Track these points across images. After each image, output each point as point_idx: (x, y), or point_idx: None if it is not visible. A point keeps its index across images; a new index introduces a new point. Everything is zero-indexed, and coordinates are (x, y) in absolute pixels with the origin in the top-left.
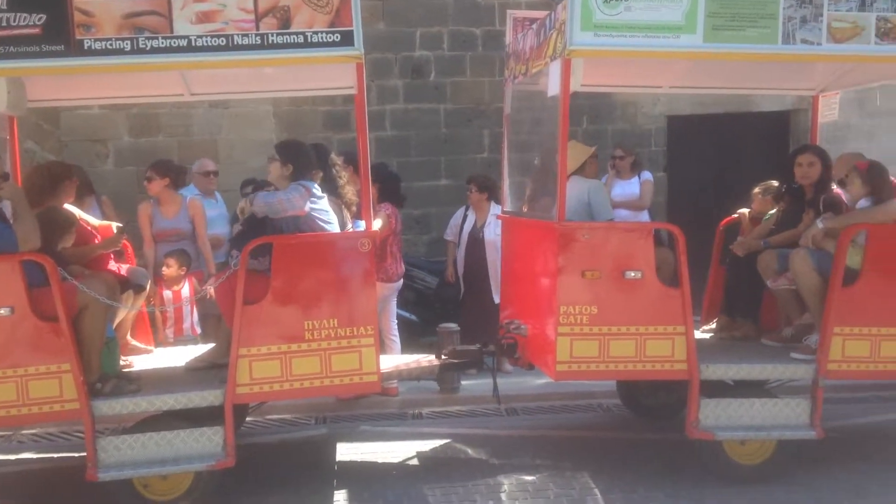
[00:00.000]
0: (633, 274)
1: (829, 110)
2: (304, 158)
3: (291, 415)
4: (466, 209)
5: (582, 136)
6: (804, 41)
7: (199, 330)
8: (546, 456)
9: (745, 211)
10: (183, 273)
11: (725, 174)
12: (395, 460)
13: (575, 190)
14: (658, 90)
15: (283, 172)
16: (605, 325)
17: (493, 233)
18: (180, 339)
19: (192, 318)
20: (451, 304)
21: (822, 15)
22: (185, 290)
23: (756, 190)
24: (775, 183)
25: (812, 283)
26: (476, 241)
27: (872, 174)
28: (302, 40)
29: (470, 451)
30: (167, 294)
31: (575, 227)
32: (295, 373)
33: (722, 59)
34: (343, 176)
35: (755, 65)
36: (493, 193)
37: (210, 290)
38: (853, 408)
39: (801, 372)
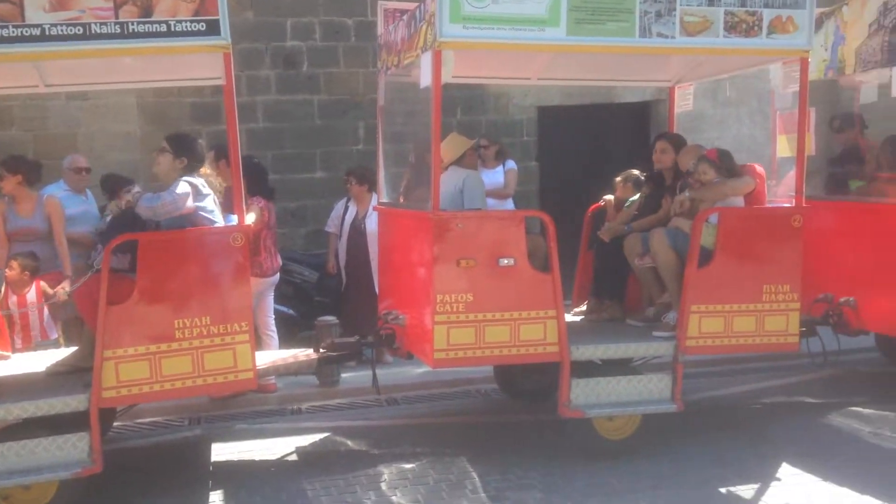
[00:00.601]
0: (506, 261)
1: (684, 101)
2: (197, 153)
3: (163, 417)
4: (348, 201)
5: (456, 127)
6: (659, 34)
7: (52, 335)
8: (426, 443)
9: (611, 197)
10: (27, 277)
11: (593, 162)
12: (273, 457)
13: (451, 180)
14: (527, 82)
15: (175, 165)
16: (480, 312)
17: (374, 224)
18: (43, 343)
19: (40, 323)
20: (332, 297)
21: (675, 9)
22: (32, 294)
23: (617, 178)
24: (636, 171)
25: (670, 261)
26: (358, 233)
27: (723, 159)
28: (165, 29)
29: (350, 442)
30: (12, 299)
31: (449, 216)
32: (165, 373)
33: (585, 52)
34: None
35: (617, 57)
36: (373, 185)
37: (60, 293)
38: (712, 381)
39: (662, 349)
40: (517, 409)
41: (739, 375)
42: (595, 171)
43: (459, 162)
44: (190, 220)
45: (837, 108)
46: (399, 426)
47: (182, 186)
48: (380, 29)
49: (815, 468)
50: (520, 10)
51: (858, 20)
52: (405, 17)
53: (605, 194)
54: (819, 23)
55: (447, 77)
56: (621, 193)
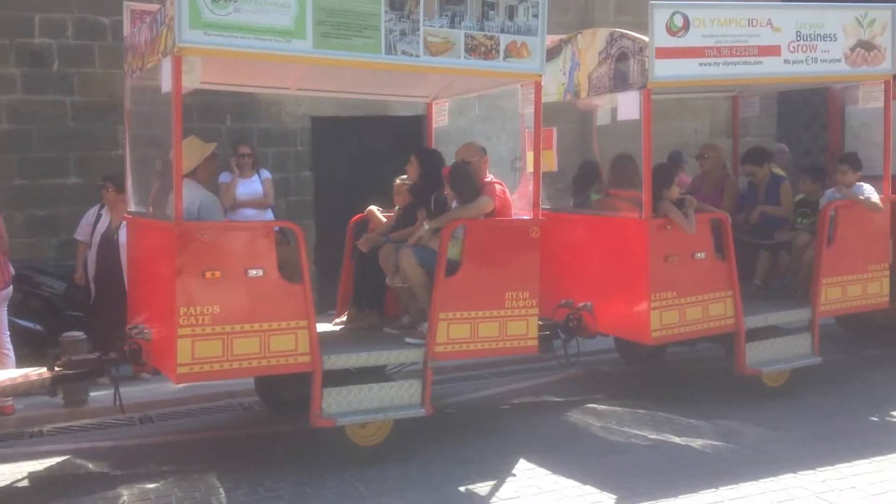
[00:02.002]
0: (255, 272)
1: (440, 116)
2: None
3: None
4: (101, 208)
5: (226, 134)
6: (404, 52)
7: None
8: (175, 461)
9: (374, 208)
10: None
11: (368, 174)
12: (1, 483)
13: (188, 197)
14: (300, 92)
15: None
16: (228, 324)
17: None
18: None
19: None
20: (84, 310)
21: (418, 29)
22: None
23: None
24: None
25: (418, 277)
26: (110, 244)
27: (452, 179)
28: None
29: (91, 465)
30: None
31: (194, 227)
32: None
33: (331, 65)
34: None
35: (374, 72)
36: None
37: None
38: (469, 384)
39: (413, 356)
40: (277, 421)
41: (494, 378)
42: (370, 182)
43: (193, 175)
44: None
45: (576, 129)
46: (148, 445)
47: None
48: (126, 30)
49: (547, 462)
50: (265, 21)
51: (590, 48)
52: (149, 19)
53: (378, 206)
54: (558, 49)
55: (194, 83)
56: (399, 202)
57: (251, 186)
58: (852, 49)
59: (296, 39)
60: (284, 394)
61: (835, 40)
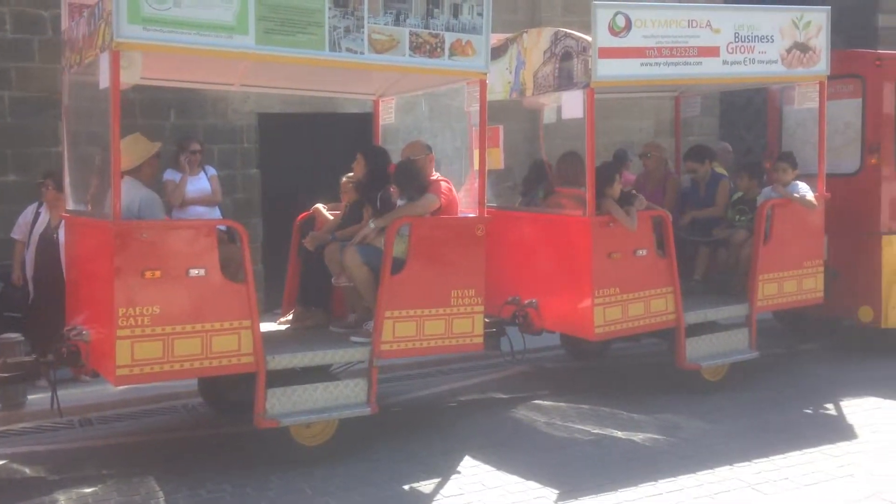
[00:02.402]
0: (196, 271)
1: (387, 114)
2: None
3: None
4: (39, 206)
5: (171, 130)
6: (349, 50)
7: None
8: (114, 465)
9: (321, 206)
10: None
11: (318, 171)
12: None
13: (128, 195)
14: (230, 87)
15: None
16: (168, 325)
17: None
18: None
19: None
20: (20, 311)
21: (363, 27)
22: None
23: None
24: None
25: (363, 276)
26: (49, 243)
27: (399, 177)
28: None
29: (28, 470)
30: None
31: (133, 226)
32: None
33: (275, 62)
34: None
35: (320, 68)
36: None
37: None
38: (416, 382)
39: (358, 354)
40: (221, 423)
41: (441, 376)
42: (317, 179)
43: (137, 173)
44: None
45: (526, 127)
46: (88, 449)
47: None
48: (64, 23)
49: (492, 458)
50: (206, 16)
51: (535, 47)
52: (86, 14)
53: (327, 203)
54: (504, 47)
55: (134, 79)
56: (346, 199)
57: (199, 184)
58: (788, 50)
59: (238, 35)
60: (228, 395)
61: (772, 42)
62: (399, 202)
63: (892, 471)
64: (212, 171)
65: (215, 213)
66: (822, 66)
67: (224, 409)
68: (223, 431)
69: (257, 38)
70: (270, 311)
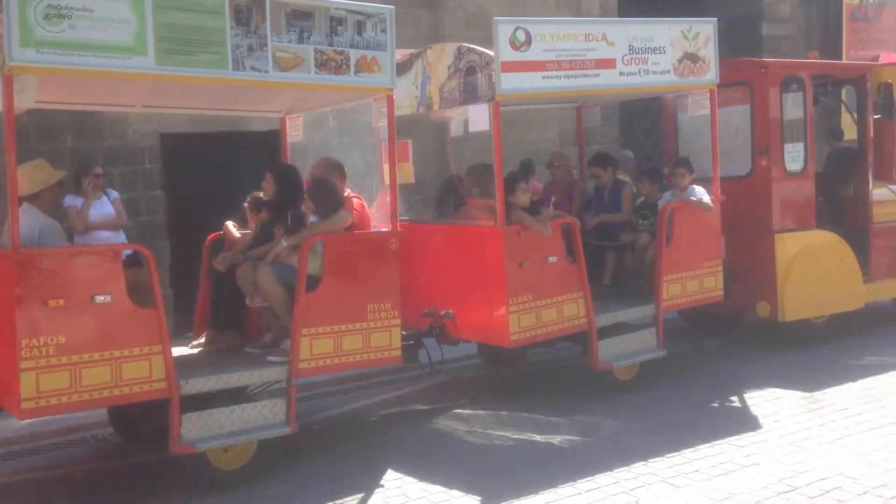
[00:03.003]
0: (102, 298)
1: (294, 131)
2: None
3: None
4: None
5: (69, 154)
6: (253, 68)
7: None
8: (23, 502)
9: (231, 225)
10: None
11: (226, 191)
12: None
13: (27, 222)
14: (131, 109)
15: None
16: (75, 354)
17: None
18: None
19: None
20: None
21: (267, 45)
22: None
23: (245, 204)
24: (260, 194)
25: (277, 295)
26: None
27: (313, 193)
28: None
29: None
30: None
31: (34, 253)
32: None
33: (176, 82)
34: None
35: (225, 87)
36: None
37: None
38: (337, 399)
39: (276, 374)
40: (134, 452)
41: (361, 391)
42: (225, 199)
43: (34, 200)
44: None
45: (434, 140)
46: None
47: None
48: None
49: (414, 470)
50: (102, 37)
51: (440, 62)
52: None
53: (233, 222)
54: (410, 63)
55: (28, 103)
56: (252, 220)
57: (103, 208)
58: (680, 61)
59: (136, 56)
60: (143, 423)
61: (664, 53)
62: (312, 219)
63: (794, 458)
64: (114, 194)
65: (120, 237)
66: (711, 74)
67: (137, 437)
68: (137, 461)
69: (157, 59)
70: (182, 336)
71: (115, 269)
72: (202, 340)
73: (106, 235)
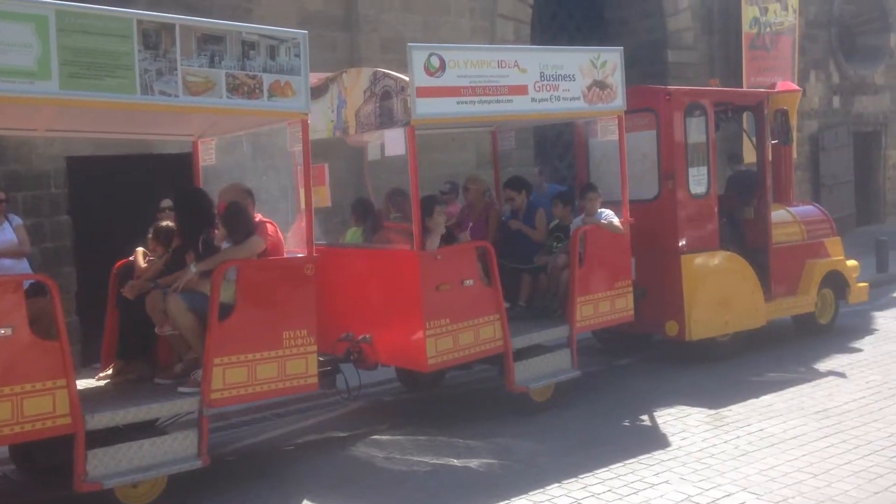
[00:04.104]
0: (3, 331)
1: (207, 154)
2: None
3: None
4: None
5: None
6: (162, 92)
7: None
8: None
9: (140, 251)
10: None
11: (135, 216)
12: None
13: None
14: (34, 133)
15: None
16: None
17: None
18: None
19: None
20: None
21: (176, 69)
22: None
23: (150, 234)
24: (164, 224)
25: (189, 323)
26: None
27: (226, 218)
28: None
29: None
30: None
31: None
32: None
33: (82, 107)
34: None
35: (133, 111)
36: None
37: None
38: (253, 428)
39: (187, 405)
40: (36, 489)
41: (277, 419)
42: (136, 224)
43: None
44: None
45: (352, 163)
46: None
47: None
48: None
49: (331, 499)
50: (4, 62)
51: (355, 87)
52: None
53: (143, 248)
54: (325, 87)
55: None
56: (153, 247)
57: (4, 235)
58: (589, 88)
59: (39, 80)
60: (46, 459)
61: (574, 80)
62: (224, 245)
63: (700, 475)
64: (17, 220)
65: (23, 265)
66: (619, 101)
67: (39, 474)
68: (41, 497)
69: (61, 83)
70: (88, 367)
71: (17, 300)
72: (110, 371)
73: (7, 264)
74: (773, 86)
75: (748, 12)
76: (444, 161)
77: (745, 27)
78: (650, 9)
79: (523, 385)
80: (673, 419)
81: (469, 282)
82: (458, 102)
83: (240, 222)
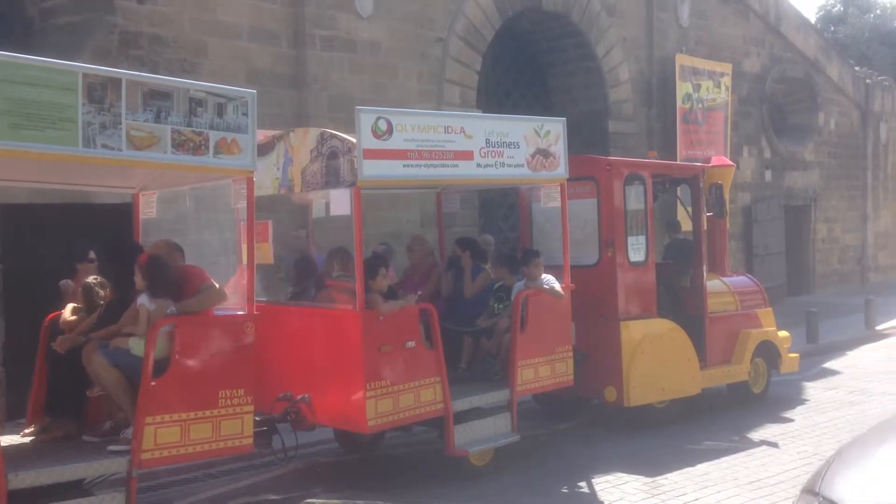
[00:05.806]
0: None
1: (148, 208)
2: None
3: None
4: None
5: None
6: (105, 146)
7: None
8: None
9: (71, 305)
10: None
11: (70, 267)
12: None
13: None
14: None
15: None
16: None
17: None
18: None
19: None
20: None
21: (121, 123)
22: None
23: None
24: (92, 280)
25: (113, 379)
26: None
27: (147, 270)
28: None
29: None
30: None
31: None
32: None
33: (21, 158)
34: None
35: (74, 163)
36: None
37: None
38: (184, 489)
39: (115, 465)
40: None
41: (210, 480)
42: (71, 275)
43: None
44: None
45: (296, 219)
46: None
47: None
48: None
49: None
50: None
51: (302, 146)
52: None
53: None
54: (272, 144)
55: None
56: (82, 303)
57: None
58: (532, 155)
59: None
60: None
61: (518, 147)
62: (142, 296)
63: None
64: None
65: None
66: (561, 169)
67: None
68: None
69: (2, 134)
70: (13, 422)
71: None
72: (35, 428)
73: None
74: (708, 160)
75: (681, 88)
76: (390, 219)
77: (679, 102)
78: (592, 80)
79: (463, 449)
80: (611, 486)
81: (411, 343)
82: (404, 165)
83: (161, 274)
